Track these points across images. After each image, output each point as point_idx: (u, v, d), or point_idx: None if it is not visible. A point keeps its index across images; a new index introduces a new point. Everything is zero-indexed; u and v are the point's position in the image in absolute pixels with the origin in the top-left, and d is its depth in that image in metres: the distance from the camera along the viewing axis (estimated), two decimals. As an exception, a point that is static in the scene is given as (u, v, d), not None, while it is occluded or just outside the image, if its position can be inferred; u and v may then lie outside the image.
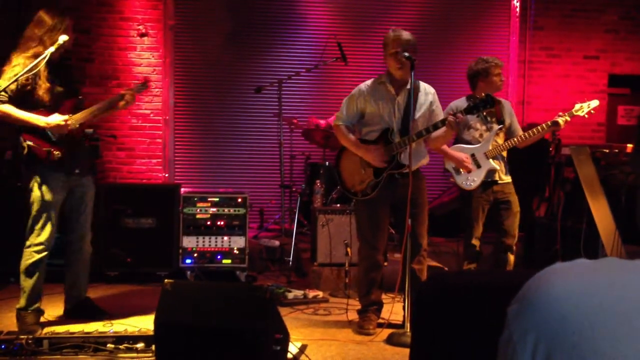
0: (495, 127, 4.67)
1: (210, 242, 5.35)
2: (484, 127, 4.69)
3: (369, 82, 4.26)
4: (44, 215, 3.99)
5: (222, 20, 6.99)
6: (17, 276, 5.20)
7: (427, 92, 4.25)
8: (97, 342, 3.54)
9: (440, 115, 4.23)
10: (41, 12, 3.97)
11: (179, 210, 5.35)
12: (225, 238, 5.36)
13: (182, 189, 5.60)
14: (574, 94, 7.54)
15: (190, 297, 3.16)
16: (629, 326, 0.68)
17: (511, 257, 4.70)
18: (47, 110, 3.95)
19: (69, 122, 3.94)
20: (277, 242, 6.06)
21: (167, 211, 5.45)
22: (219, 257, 5.34)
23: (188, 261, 5.31)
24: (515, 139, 4.64)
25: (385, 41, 4.14)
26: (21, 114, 3.87)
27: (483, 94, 4.10)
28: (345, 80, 6.97)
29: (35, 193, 3.99)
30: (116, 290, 5.20)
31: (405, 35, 4.07)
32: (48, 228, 4.02)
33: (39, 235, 4.01)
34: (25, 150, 3.93)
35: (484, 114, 4.65)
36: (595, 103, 4.69)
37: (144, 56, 6.96)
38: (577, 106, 4.67)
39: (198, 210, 5.36)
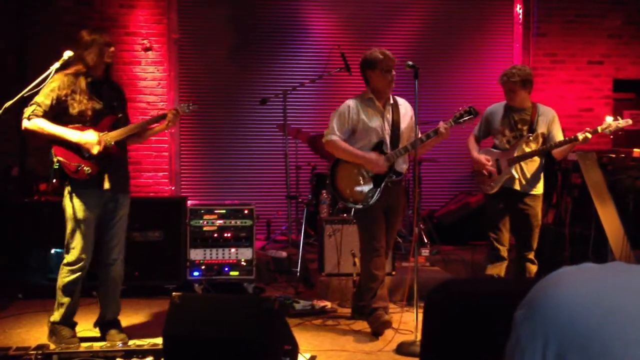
0: (525, 134, 4.56)
1: (217, 254, 5.34)
2: (512, 134, 4.62)
3: (355, 98, 4.41)
4: (77, 233, 3.91)
5: (225, 32, 7.02)
6: (24, 292, 5.27)
7: (405, 105, 4.48)
8: (106, 357, 3.54)
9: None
10: (82, 31, 3.97)
11: (186, 223, 5.35)
12: (233, 250, 5.36)
13: (189, 202, 5.60)
14: (579, 99, 7.53)
15: (199, 309, 3.16)
16: (638, 328, 0.67)
17: (532, 267, 4.65)
18: (84, 125, 3.90)
19: (104, 140, 3.89)
20: (284, 253, 6.06)
21: (174, 224, 5.45)
22: (226, 269, 5.33)
23: (195, 274, 5.30)
24: (540, 148, 4.53)
25: (370, 59, 4.28)
26: (55, 129, 3.83)
27: (467, 107, 4.21)
28: (350, 90, 6.95)
29: (68, 210, 3.91)
30: (124, 303, 5.13)
31: (390, 53, 4.30)
32: (81, 246, 3.91)
33: (72, 253, 3.93)
34: (56, 166, 3.85)
35: (514, 120, 4.59)
36: (626, 122, 4.45)
37: (149, 70, 7.00)
38: (605, 124, 4.42)
39: (205, 222, 5.36)
